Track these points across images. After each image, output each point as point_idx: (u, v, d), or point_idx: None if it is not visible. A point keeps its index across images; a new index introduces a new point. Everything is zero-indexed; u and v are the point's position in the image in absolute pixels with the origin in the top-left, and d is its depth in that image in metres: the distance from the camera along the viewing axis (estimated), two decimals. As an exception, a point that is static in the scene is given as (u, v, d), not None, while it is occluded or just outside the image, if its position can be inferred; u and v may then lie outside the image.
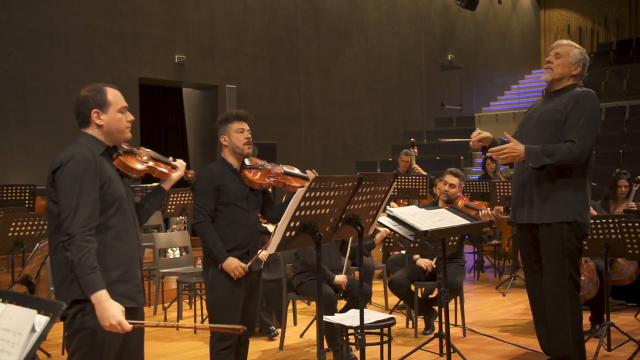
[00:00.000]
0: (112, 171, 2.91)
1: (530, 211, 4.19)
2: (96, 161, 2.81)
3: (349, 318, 4.47)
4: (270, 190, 4.17)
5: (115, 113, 2.90)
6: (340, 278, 5.34)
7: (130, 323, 2.69)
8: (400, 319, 6.16)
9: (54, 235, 2.84)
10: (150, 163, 3.11)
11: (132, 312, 2.89)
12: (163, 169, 3.16)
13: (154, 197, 3.22)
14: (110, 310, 2.66)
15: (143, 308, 3.05)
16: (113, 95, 2.92)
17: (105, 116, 2.88)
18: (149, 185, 9.69)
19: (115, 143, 2.97)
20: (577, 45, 4.27)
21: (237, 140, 3.93)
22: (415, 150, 9.78)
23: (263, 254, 4.34)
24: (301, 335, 5.98)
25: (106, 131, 2.90)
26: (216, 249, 3.84)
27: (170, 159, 3.25)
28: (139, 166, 3.05)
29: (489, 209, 6.61)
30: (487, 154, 4.23)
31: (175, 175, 3.22)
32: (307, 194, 2.97)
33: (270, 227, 5.63)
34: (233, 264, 3.81)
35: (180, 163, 3.26)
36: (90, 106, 2.88)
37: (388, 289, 6.39)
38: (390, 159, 15.06)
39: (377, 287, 7.33)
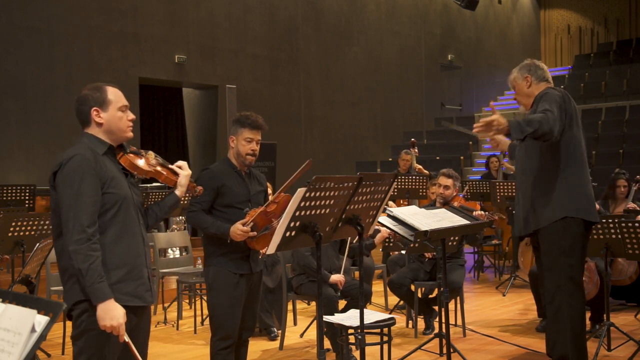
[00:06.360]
0: (116, 170, 2.90)
1: (526, 221, 4.25)
2: (97, 160, 2.81)
3: (349, 318, 4.47)
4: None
5: (116, 111, 2.90)
6: (336, 277, 5.25)
7: (126, 339, 2.74)
8: (400, 319, 6.16)
9: (61, 238, 2.82)
10: (158, 168, 3.06)
11: (140, 312, 2.90)
12: (169, 175, 3.10)
13: (165, 201, 3.17)
14: (115, 312, 2.72)
15: (150, 308, 3.05)
16: (113, 93, 2.92)
17: (105, 114, 2.88)
18: (148, 185, 9.68)
19: (117, 142, 2.95)
20: (517, 67, 4.37)
21: (242, 148, 3.92)
22: (416, 150, 9.77)
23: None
24: (301, 335, 5.98)
25: (107, 129, 2.89)
26: (215, 227, 3.80)
27: (176, 165, 3.17)
28: (146, 167, 3.01)
29: (482, 212, 6.61)
30: (474, 130, 4.17)
31: (184, 181, 3.10)
32: (307, 194, 2.97)
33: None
34: (237, 230, 3.72)
35: (180, 166, 3.14)
36: (90, 104, 2.88)
37: (388, 289, 6.39)
38: (390, 159, 15.06)
39: (377, 287, 7.33)
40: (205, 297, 5.09)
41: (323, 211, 3.09)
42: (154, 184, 9.40)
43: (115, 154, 2.94)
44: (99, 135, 2.90)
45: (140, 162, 2.99)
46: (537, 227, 4.18)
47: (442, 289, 4.70)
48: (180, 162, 3.15)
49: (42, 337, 1.58)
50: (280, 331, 5.72)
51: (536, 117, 3.90)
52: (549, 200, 4.11)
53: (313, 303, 6.73)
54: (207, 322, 6.12)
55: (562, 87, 4.44)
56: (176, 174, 3.11)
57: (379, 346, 4.63)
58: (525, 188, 4.23)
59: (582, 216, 4.12)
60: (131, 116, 2.96)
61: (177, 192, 3.11)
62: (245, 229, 3.70)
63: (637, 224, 4.90)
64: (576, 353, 4.09)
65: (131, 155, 2.99)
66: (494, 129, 3.87)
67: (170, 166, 3.11)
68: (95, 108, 2.88)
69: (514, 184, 7.86)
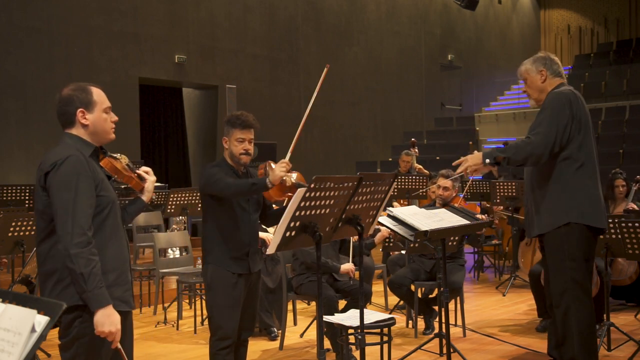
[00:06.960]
0: (102, 173, 2.86)
1: (532, 225, 4.25)
2: (88, 162, 2.77)
3: (349, 318, 4.47)
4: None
5: (101, 113, 2.85)
6: (346, 266, 5.35)
7: (118, 345, 2.72)
8: (400, 319, 6.15)
9: (47, 241, 2.77)
10: (130, 172, 3.02)
11: (125, 316, 2.86)
12: (137, 181, 3.06)
13: (132, 207, 3.12)
14: (114, 317, 2.69)
15: (132, 313, 3.01)
16: (98, 94, 2.87)
17: (90, 116, 2.83)
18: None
19: (100, 144, 2.90)
20: (530, 58, 4.29)
21: (235, 149, 3.91)
22: (416, 150, 9.78)
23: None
24: (301, 335, 5.98)
25: (92, 131, 2.84)
26: (253, 179, 3.78)
27: (142, 170, 3.11)
28: (123, 171, 2.97)
29: (483, 215, 6.62)
30: (453, 163, 4.37)
31: (151, 187, 3.09)
32: (307, 194, 2.97)
33: (271, 229, 5.63)
34: (278, 165, 3.67)
35: (146, 172, 3.11)
36: (76, 105, 2.82)
37: (388, 289, 6.39)
38: (390, 159, 15.06)
39: (377, 287, 7.32)
40: (205, 297, 5.09)
41: (323, 211, 3.09)
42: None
43: (98, 156, 2.90)
44: (82, 136, 2.84)
45: (119, 166, 2.96)
46: (541, 232, 4.17)
47: (442, 289, 4.69)
48: (146, 168, 3.12)
49: (42, 337, 1.57)
50: (280, 331, 5.72)
51: (515, 145, 4.07)
52: (553, 205, 4.09)
53: (313, 303, 6.73)
54: (207, 322, 6.12)
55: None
56: (143, 180, 3.08)
57: (379, 346, 4.63)
58: (532, 192, 4.22)
59: (585, 222, 4.06)
60: (114, 118, 2.92)
61: (144, 197, 3.10)
62: (286, 161, 3.68)
63: (637, 224, 4.90)
64: (584, 356, 4.07)
65: (111, 158, 2.94)
66: (471, 168, 4.16)
67: (137, 171, 3.08)
68: (81, 109, 2.82)
69: (514, 184, 7.87)
